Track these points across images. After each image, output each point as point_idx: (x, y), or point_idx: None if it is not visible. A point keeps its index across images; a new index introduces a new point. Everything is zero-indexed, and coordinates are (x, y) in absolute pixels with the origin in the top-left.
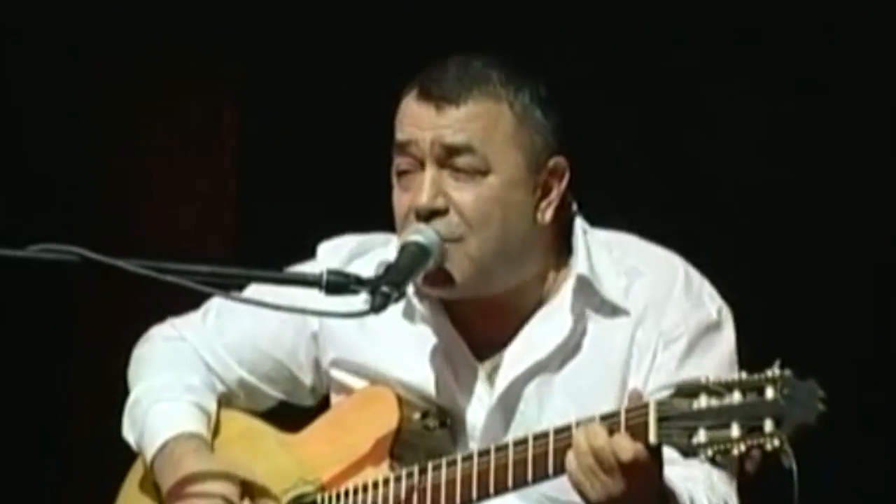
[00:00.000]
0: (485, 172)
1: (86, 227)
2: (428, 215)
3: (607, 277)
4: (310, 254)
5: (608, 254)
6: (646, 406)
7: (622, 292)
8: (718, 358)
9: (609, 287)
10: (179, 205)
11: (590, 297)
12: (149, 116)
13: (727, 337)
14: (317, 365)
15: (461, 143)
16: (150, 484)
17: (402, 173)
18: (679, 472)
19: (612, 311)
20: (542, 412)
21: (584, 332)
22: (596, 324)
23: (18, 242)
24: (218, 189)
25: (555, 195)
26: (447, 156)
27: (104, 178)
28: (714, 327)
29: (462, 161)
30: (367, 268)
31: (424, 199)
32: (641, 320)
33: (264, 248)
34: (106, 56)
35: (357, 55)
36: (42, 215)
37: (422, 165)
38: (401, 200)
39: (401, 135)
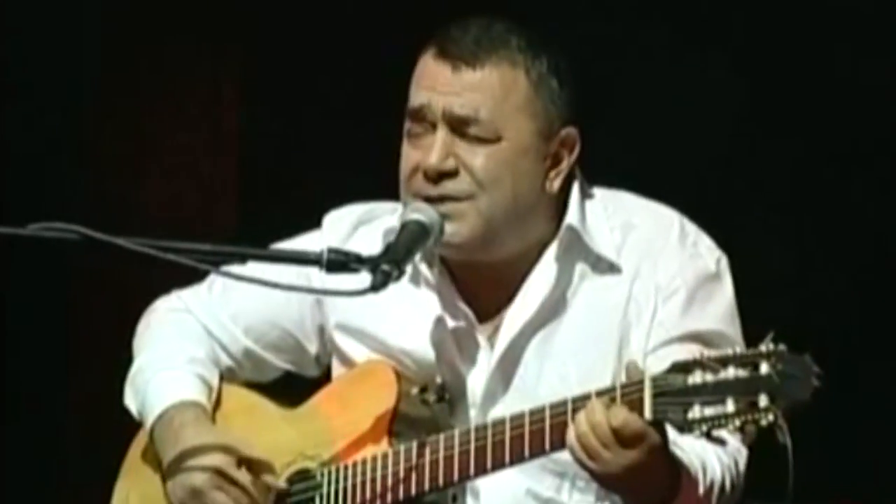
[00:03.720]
0: (495, 140)
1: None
2: (437, 176)
3: (600, 232)
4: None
5: (603, 209)
6: (641, 382)
7: (616, 248)
8: (720, 310)
9: (601, 242)
10: (181, 191)
11: (579, 250)
12: (151, 107)
13: (726, 288)
14: (321, 332)
15: (470, 115)
16: (152, 454)
17: (413, 135)
18: (686, 437)
19: (608, 268)
20: (541, 375)
21: (578, 291)
22: (592, 282)
23: (20, 223)
24: (220, 178)
25: (564, 165)
26: (458, 124)
27: (106, 164)
28: (712, 278)
29: (472, 130)
30: (373, 235)
31: (434, 159)
32: (637, 275)
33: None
34: (107, 51)
35: (357, 49)
36: (45, 202)
37: (433, 127)
38: (409, 157)
39: (414, 100)
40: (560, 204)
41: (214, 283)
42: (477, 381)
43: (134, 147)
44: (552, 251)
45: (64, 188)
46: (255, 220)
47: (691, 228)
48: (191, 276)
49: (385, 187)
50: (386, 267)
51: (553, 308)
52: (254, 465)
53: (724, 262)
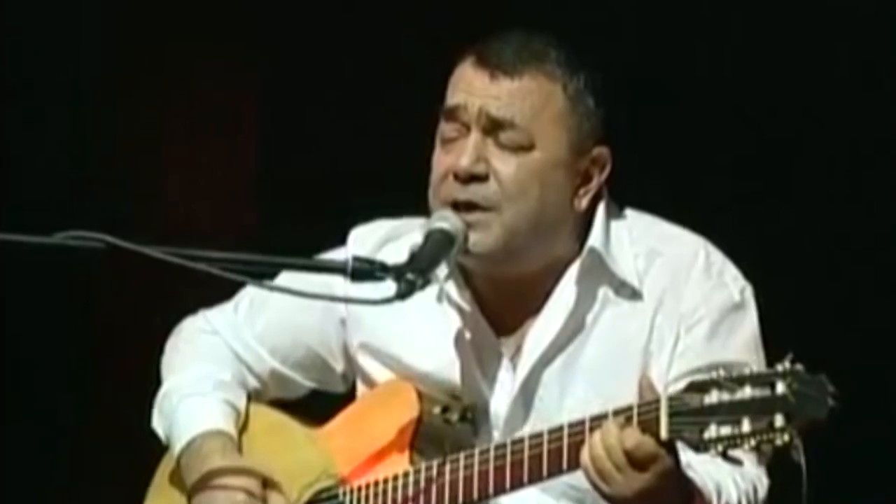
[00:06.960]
0: (528, 148)
1: (87, 214)
2: (467, 179)
3: (623, 257)
4: (340, 241)
5: (628, 234)
6: (657, 401)
7: (640, 274)
8: (743, 341)
9: (624, 266)
10: (197, 200)
11: (601, 273)
12: (151, 107)
13: (750, 318)
14: (346, 351)
15: (506, 118)
16: (179, 477)
17: (446, 140)
18: (701, 459)
19: (631, 293)
20: (563, 399)
21: (601, 315)
22: (615, 307)
23: (19, 223)
24: (237, 184)
25: (594, 184)
26: (492, 127)
27: (106, 165)
28: (736, 308)
29: (505, 136)
30: (399, 252)
31: (466, 161)
32: (661, 303)
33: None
34: (107, 51)
35: (374, 49)
36: (45, 202)
37: (467, 130)
38: (441, 161)
39: (451, 100)
40: (585, 223)
41: (241, 303)
42: (499, 401)
43: (134, 148)
44: (573, 273)
45: (64, 189)
46: (255, 223)
47: (717, 257)
48: (194, 277)
49: (408, 192)
50: (410, 276)
51: (575, 330)
52: (276, 486)
53: (749, 291)
